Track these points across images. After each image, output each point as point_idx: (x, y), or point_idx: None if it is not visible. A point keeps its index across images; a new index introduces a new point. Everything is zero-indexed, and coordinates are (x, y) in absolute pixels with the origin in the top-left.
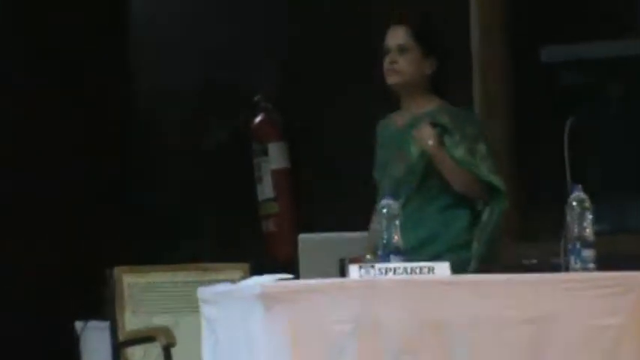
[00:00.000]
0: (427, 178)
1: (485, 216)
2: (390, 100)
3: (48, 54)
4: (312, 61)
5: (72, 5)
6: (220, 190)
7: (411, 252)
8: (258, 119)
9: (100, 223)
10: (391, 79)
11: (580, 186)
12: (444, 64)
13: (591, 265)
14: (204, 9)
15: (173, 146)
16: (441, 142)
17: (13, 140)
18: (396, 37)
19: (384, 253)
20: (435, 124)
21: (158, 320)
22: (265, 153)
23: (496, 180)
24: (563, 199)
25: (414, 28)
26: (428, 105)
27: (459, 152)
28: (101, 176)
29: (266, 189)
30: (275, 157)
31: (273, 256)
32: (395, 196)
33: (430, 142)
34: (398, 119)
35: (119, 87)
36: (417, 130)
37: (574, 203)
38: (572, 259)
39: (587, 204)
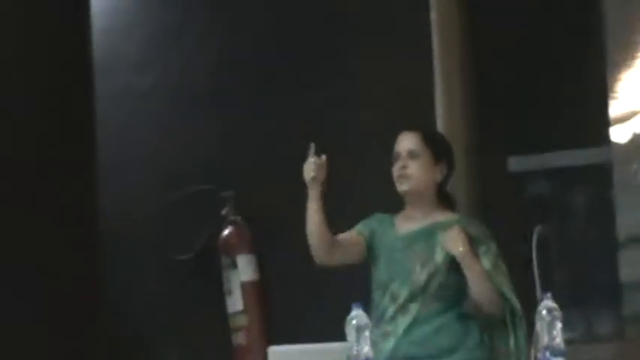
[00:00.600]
0: (447, 284)
1: (512, 342)
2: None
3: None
4: (280, 172)
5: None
6: (189, 304)
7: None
8: (226, 232)
9: (69, 332)
10: (402, 186)
11: (549, 294)
12: (450, 173)
13: None
14: (170, 121)
15: (140, 260)
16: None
17: None
18: (407, 142)
19: None
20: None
21: None
22: (234, 265)
23: (516, 302)
24: (532, 308)
25: (425, 134)
26: (441, 214)
27: (486, 263)
28: (70, 289)
29: (235, 302)
30: (244, 270)
31: None
32: (413, 299)
33: (461, 249)
34: (401, 224)
35: (89, 201)
36: (447, 233)
37: (543, 312)
38: None
39: (557, 312)
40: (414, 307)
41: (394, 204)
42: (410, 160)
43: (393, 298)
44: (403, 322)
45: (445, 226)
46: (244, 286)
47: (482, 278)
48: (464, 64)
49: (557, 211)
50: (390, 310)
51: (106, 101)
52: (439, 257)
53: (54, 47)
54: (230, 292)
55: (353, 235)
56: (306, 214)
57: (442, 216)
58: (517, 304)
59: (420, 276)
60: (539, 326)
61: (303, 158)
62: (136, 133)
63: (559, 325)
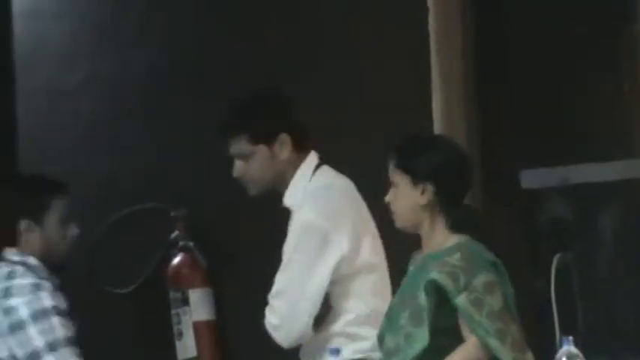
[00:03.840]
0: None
1: None
2: None
3: None
4: (239, 199)
5: None
6: (130, 348)
7: None
8: (175, 260)
9: None
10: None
11: (570, 339)
12: (449, 191)
13: None
14: (101, 123)
15: (69, 292)
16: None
17: None
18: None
19: None
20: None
21: None
22: (186, 302)
23: (495, 344)
24: (550, 356)
25: (398, 157)
26: (445, 242)
27: (461, 302)
28: None
29: (187, 346)
30: (197, 307)
31: None
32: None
33: None
34: (418, 259)
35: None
36: None
37: (564, 359)
38: None
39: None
40: None
41: None
42: (392, 192)
43: (387, 355)
44: None
45: (435, 259)
46: (197, 327)
47: None
48: (466, 64)
49: (580, 237)
50: None
51: (27, 98)
52: (422, 299)
53: None
54: (180, 335)
55: None
56: None
57: (444, 243)
58: (496, 347)
59: (404, 323)
60: None
61: None
62: (62, 134)
63: None
